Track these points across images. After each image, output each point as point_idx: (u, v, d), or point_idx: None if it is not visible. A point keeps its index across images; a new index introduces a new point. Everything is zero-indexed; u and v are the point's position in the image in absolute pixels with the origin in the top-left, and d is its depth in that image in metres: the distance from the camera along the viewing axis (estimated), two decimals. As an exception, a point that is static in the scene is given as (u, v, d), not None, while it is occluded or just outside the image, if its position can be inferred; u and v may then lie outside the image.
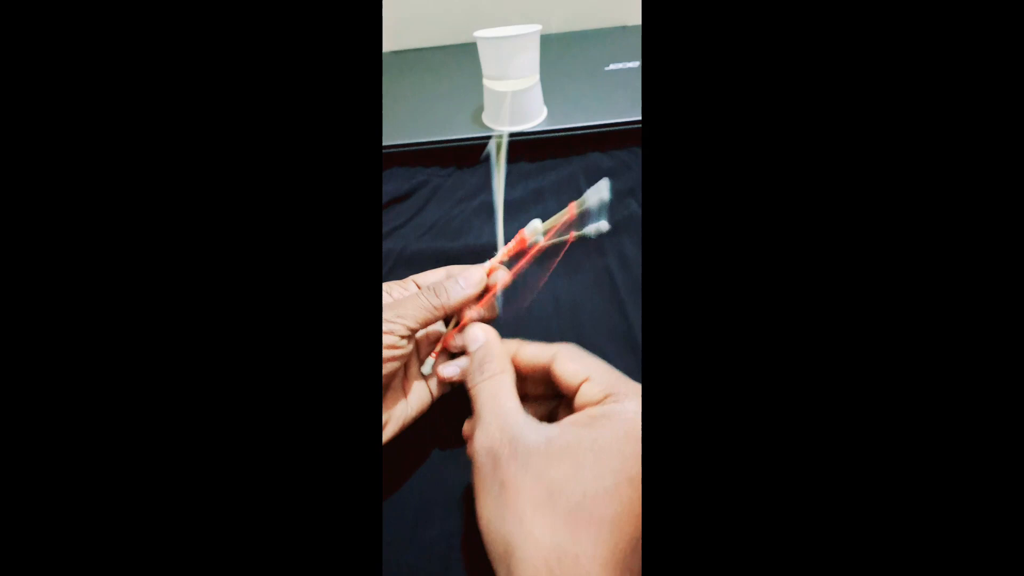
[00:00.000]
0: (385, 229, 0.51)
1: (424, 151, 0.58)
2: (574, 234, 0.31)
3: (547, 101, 0.60)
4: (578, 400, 0.27)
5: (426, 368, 0.33)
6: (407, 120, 0.61)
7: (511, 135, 0.57)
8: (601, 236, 0.47)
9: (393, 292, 0.34)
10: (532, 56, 0.54)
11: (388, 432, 0.31)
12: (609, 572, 0.21)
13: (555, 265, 0.33)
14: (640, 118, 0.54)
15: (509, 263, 0.33)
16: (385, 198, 0.54)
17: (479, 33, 0.54)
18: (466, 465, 0.34)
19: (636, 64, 0.66)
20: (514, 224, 0.51)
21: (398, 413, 0.31)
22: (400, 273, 0.47)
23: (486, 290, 0.33)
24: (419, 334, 0.32)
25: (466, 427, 0.29)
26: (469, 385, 0.29)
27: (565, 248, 0.31)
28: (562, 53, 0.71)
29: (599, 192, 0.30)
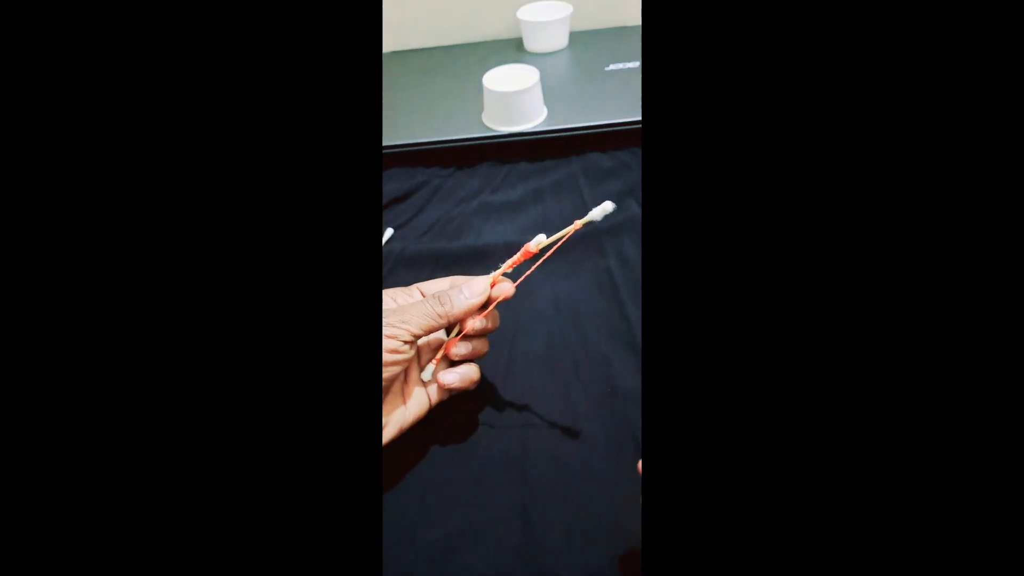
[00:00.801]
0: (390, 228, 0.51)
1: (424, 151, 0.58)
2: (579, 222, 0.31)
3: (547, 101, 0.60)
4: None
5: (426, 375, 0.34)
6: (407, 120, 0.61)
7: (512, 135, 0.57)
8: (601, 236, 0.48)
9: (398, 298, 0.34)
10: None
11: (385, 436, 0.31)
12: None
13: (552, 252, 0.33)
14: (640, 118, 0.54)
15: (512, 275, 0.33)
16: (385, 198, 0.54)
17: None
18: (466, 465, 0.35)
19: (636, 64, 0.66)
20: (514, 224, 0.51)
21: (396, 418, 0.32)
22: (400, 273, 0.47)
23: (489, 300, 0.33)
24: (421, 341, 0.33)
25: None
26: None
27: (568, 235, 0.31)
28: (562, 53, 0.71)
29: (604, 209, 0.30)
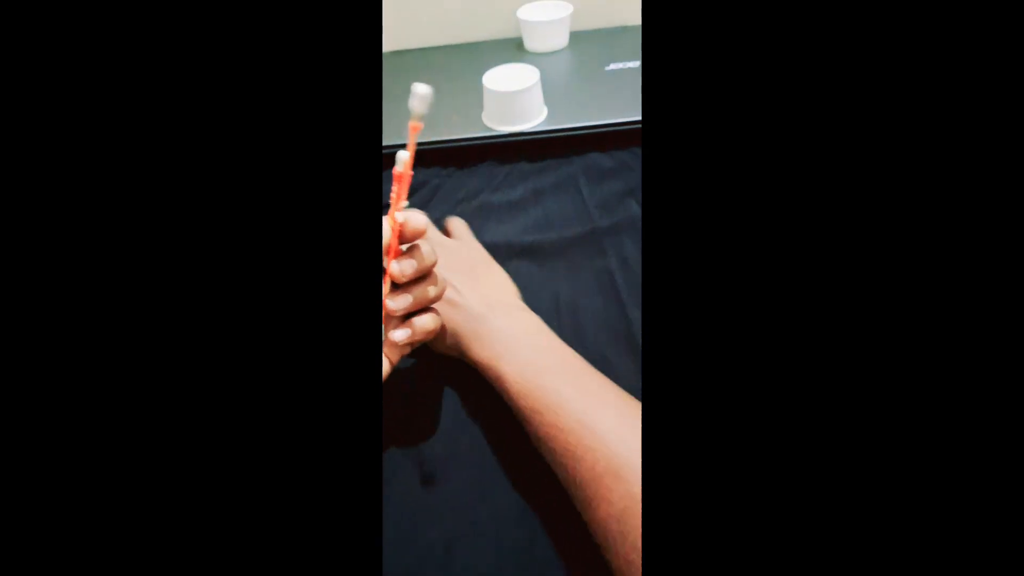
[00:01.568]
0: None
1: (424, 151, 0.58)
2: (413, 121, 0.29)
3: (547, 101, 0.60)
4: None
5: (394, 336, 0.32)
6: (407, 120, 0.61)
7: (512, 135, 0.57)
8: (601, 236, 0.48)
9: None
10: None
11: None
12: None
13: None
14: (640, 118, 0.54)
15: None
16: (386, 199, 0.54)
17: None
18: (467, 466, 0.35)
19: (636, 64, 0.66)
20: (515, 223, 0.51)
21: None
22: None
23: (402, 239, 0.31)
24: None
25: None
26: None
27: (413, 137, 0.29)
28: (562, 53, 0.71)
29: (418, 91, 0.28)
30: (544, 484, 0.33)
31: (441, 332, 0.36)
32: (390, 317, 0.32)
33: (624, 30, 0.75)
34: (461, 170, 0.57)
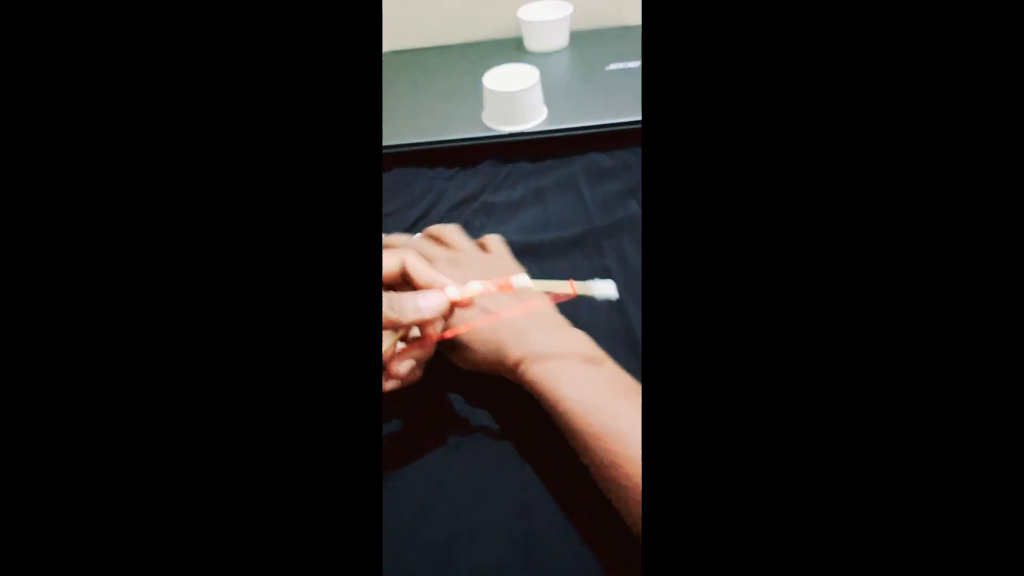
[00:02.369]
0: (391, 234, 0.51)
1: (424, 151, 0.58)
2: (575, 289, 0.30)
3: (547, 101, 0.60)
4: None
5: None
6: (407, 120, 0.61)
7: (512, 134, 0.57)
8: (600, 236, 0.48)
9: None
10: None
11: None
12: None
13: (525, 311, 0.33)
14: (640, 118, 0.54)
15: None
16: (392, 206, 0.54)
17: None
18: (467, 466, 0.35)
19: (636, 64, 0.66)
20: (515, 223, 0.51)
21: None
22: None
23: (450, 313, 0.31)
24: None
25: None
26: None
27: (555, 295, 0.30)
28: (562, 53, 0.71)
29: (607, 290, 0.29)
30: (544, 483, 0.33)
31: (475, 347, 0.35)
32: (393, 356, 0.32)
33: (624, 30, 0.75)
34: (463, 171, 0.57)
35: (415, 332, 0.32)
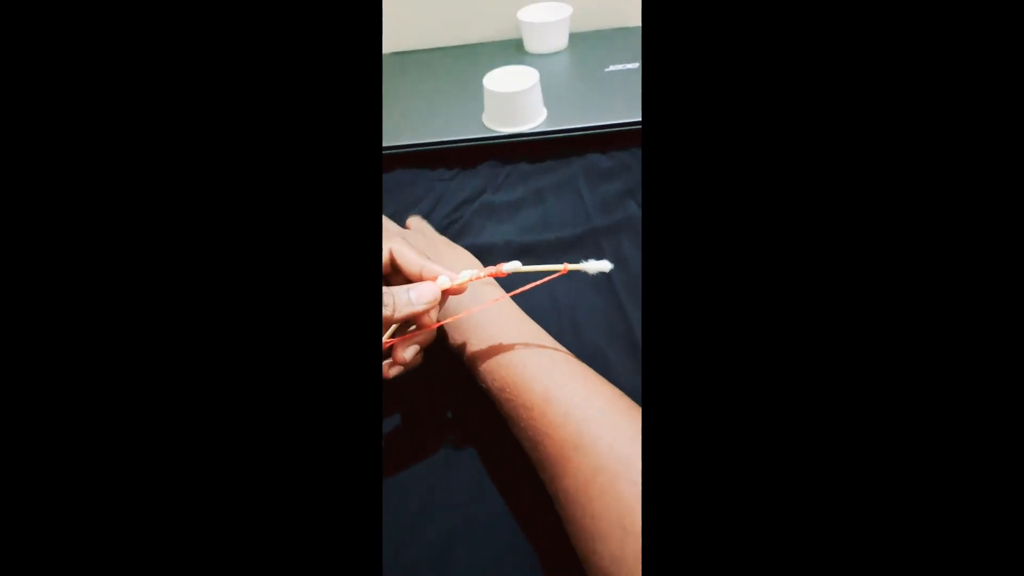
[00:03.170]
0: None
1: (424, 152, 0.58)
2: (567, 266, 0.31)
3: (547, 102, 0.60)
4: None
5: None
6: (408, 121, 0.61)
7: (512, 135, 0.58)
8: (599, 236, 0.48)
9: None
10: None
11: None
12: None
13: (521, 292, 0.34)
14: (640, 119, 0.54)
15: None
16: (392, 208, 0.54)
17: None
18: (467, 466, 0.35)
19: (636, 65, 0.66)
20: (515, 223, 0.51)
21: None
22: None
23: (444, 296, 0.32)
24: None
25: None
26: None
27: (549, 277, 0.31)
28: (562, 54, 0.72)
29: (600, 265, 0.30)
30: (543, 483, 0.33)
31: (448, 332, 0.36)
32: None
33: (624, 31, 0.75)
34: (463, 171, 0.58)
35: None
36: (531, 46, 0.72)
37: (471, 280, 0.31)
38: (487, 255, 0.48)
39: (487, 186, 0.55)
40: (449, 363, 0.37)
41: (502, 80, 0.57)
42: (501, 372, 0.31)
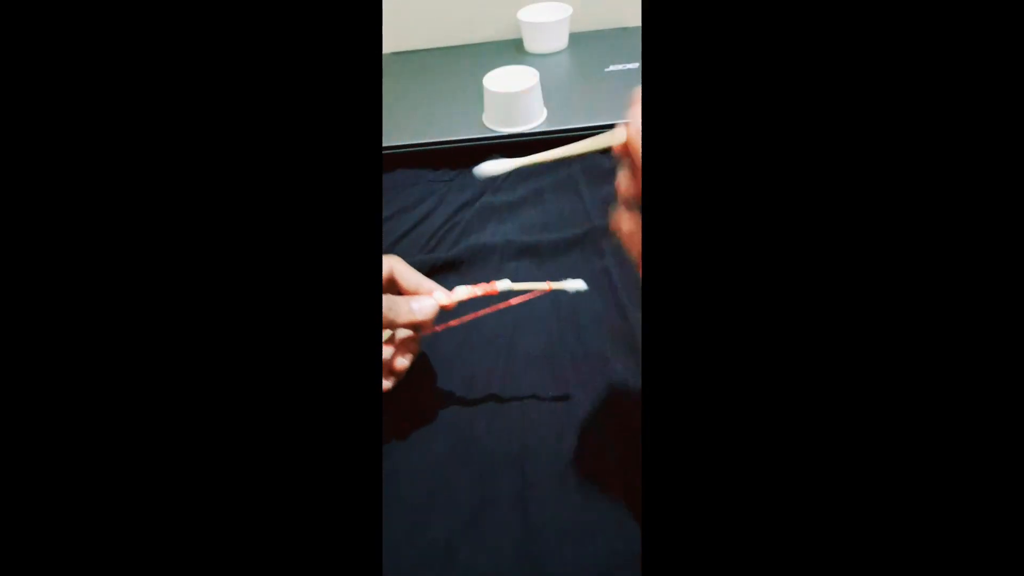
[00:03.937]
0: (392, 238, 0.51)
1: (425, 152, 0.58)
2: (550, 285, 0.34)
3: (547, 102, 0.60)
4: None
5: None
6: (408, 121, 0.61)
7: (512, 135, 0.58)
8: (599, 236, 0.48)
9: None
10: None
11: None
12: None
13: (506, 306, 0.35)
14: (639, 119, 0.54)
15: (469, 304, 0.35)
16: (392, 208, 0.54)
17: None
18: (466, 465, 0.35)
19: (636, 65, 0.66)
20: (515, 223, 0.51)
21: None
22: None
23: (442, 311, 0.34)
24: None
25: None
26: None
27: (533, 293, 0.34)
28: (561, 54, 0.72)
29: (576, 285, 0.34)
30: (544, 482, 0.33)
31: None
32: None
33: (623, 31, 0.75)
34: (462, 171, 0.58)
35: (401, 333, 0.35)
36: (531, 46, 0.72)
37: (465, 298, 0.34)
38: (488, 255, 0.48)
39: (487, 187, 0.56)
40: (450, 364, 0.37)
41: (502, 80, 0.57)
42: None
